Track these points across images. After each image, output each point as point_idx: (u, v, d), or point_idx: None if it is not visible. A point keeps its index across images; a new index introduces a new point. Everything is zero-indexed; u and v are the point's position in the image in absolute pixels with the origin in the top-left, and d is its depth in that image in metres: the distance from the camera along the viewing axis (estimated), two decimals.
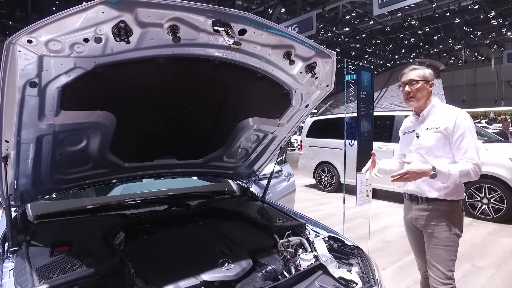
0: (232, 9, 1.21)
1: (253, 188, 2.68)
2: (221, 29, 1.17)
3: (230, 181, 2.65)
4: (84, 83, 1.23)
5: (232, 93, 1.69)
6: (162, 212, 2.00)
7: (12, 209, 1.53)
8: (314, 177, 7.78)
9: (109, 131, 1.54)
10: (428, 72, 1.95)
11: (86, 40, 1.05)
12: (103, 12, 0.98)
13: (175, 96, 1.58)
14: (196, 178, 2.77)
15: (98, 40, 1.07)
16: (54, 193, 1.75)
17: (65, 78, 1.18)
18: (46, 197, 1.75)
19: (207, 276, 1.35)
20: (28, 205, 1.75)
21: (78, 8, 0.96)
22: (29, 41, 0.99)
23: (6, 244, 1.43)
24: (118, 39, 1.07)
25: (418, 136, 1.97)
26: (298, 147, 9.38)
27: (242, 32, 1.26)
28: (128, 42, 1.09)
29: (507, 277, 3.22)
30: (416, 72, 1.94)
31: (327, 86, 1.81)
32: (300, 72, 1.64)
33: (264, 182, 2.70)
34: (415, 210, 1.99)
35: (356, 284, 1.53)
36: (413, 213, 2.00)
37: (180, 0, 1.09)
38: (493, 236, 4.41)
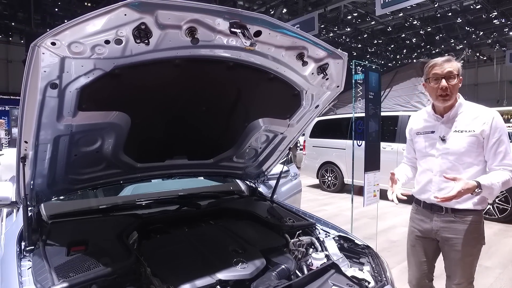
0: (248, 11, 1.23)
1: (260, 188, 2.69)
2: (238, 30, 1.19)
3: (238, 181, 2.67)
4: (102, 84, 1.25)
5: (244, 94, 1.70)
6: (174, 212, 2.01)
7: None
8: (317, 177, 7.80)
9: (123, 131, 1.56)
10: (460, 65, 1.71)
11: (107, 42, 1.07)
12: (125, 14, 1.00)
13: (189, 97, 1.60)
14: (202, 178, 2.79)
15: (118, 42, 1.09)
16: (67, 193, 1.76)
17: (84, 79, 1.19)
18: (59, 197, 1.77)
19: (222, 275, 1.37)
20: (42, 205, 1.77)
21: (102, 10, 0.98)
22: (53, 43, 1.01)
23: (23, 243, 1.45)
24: (138, 41, 1.08)
25: (443, 139, 1.74)
26: (301, 147, 9.39)
27: (257, 33, 1.28)
28: (148, 44, 1.11)
29: None
30: (453, 64, 1.67)
31: (337, 87, 1.82)
32: (312, 73, 1.65)
33: (271, 183, 2.71)
34: (437, 221, 1.78)
35: (369, 283, 1.54)
36: (433, 224, 1.80)
37: (197, 2, 1.10)
38: (499, 237, 4.41)
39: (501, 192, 4.82)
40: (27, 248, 1.42)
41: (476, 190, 1.53)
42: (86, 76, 1.18)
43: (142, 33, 1.07)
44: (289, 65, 1.56)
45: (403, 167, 2.06)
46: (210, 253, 1.53)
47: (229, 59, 1.41)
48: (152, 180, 2.36)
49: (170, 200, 2.17)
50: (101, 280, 1.24)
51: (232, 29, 1.19)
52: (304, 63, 1.53)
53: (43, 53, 1.02)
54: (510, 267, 3.47)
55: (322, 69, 1.63)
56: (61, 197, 1.80)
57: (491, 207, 5.01)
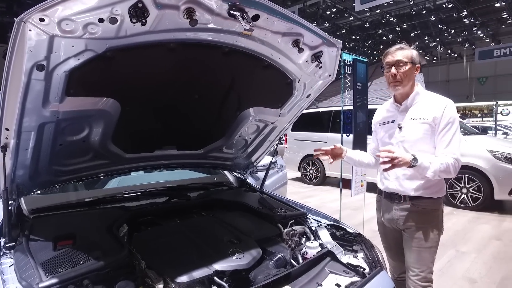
0: None
1: (248, 180, 2.67)
2: (237, 13, 1.15)
3: (226, 173, 2.64)
4: (92, 67, 1.17)
5: (237, 82, 1.67)
6: (163, 204, 1.95)
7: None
8: (299, 170, 7.87)
9: (112, 120, 1.48)
10: (415, 53, 1.74)
11: (101, 20, 1.00)
12: None
13: (182, 84, 1.54)
14: (190, 170, 2.73)
15: (113, 20, 1.02)
16: (51, 186, 1.67)
17: (73, 62, 1.12)
18: (42, 190, 1.67)
19: (219, 266, 1.34)
20: (22, 198, 1.66)
21: None
22: (41, 20, 0.93)
23: (2, 239, 1.35)
24: (134, 20, 1.02)
25: (400, 128, 1.77)
26: (283, 140, 9.43)
27: (255, 18, 1.25)
28: (144, 24, 1.05)
29: (487, 261, 3.40)
30: (403, 53, 1.71)
31: (329, 76, 1.82)
32: (306, 61, 1.64)
33: (258, 174, 2.69)
34: (397, 210, 1.81)
35: (364, 269, 1.56)
36: (393, 213, 1.83)
37: None
38: (473, 224, 4.63)
39: (474, 182, 5.08)
40: (7, 245, 1.32)
41: (411, 162, 1.54)
42: (76, 58, 1.10)
43: (138, 12, 1.01)
44: (284, 52, 1.54)
45: (365, 153, 2.11)
46: (205, 244, 1.49)
47: (225, 44, 1.37)
48: (139, 172, 2.29)
49: (159, 192, 2.11)
50: (93, 274, 1.18)
51: (231, 11, 1.15)
52: (300, 50, 1.51)
53: (30, 30, 0.94)
54: (484, 251, 3.65)
55: (316, 57, 1.62)
56: (43, 190, 1.70)
57: (465, 196, 5.25)
